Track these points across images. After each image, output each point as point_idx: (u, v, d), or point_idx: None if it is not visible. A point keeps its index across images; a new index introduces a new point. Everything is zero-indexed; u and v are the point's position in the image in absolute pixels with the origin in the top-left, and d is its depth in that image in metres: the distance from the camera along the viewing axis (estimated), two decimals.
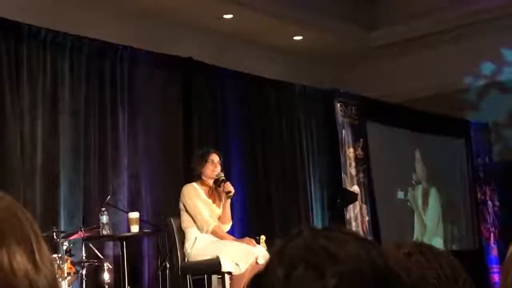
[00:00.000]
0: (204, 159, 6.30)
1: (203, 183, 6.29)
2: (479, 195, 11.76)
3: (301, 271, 0.91)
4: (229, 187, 6.28)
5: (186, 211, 6.19)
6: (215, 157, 6.33)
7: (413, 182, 10.91)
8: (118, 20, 8.01)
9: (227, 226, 6.39)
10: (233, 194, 6.36)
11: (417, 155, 11.03)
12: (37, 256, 1.11)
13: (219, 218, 6.32)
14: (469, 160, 11.82)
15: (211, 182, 6.31)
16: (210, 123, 8.66)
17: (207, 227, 6.11)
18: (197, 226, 6.14)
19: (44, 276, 1.10)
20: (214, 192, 6.34)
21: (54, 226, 6.21)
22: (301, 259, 0.91)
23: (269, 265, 0.95)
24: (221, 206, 6.34)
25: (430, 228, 10.90)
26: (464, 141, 11.84)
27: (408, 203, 10.74)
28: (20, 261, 1.08)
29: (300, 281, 0.90)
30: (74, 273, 5.96)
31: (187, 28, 8.65)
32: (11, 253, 1.07)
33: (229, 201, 6.33)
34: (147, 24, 8.27)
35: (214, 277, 6.24)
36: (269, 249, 6.23)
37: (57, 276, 1.16)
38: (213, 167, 6.29)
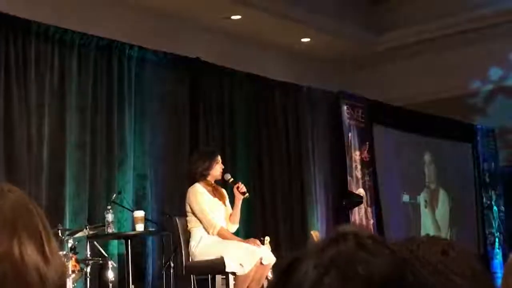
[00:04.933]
0: (214, 160, 6.29)
1: (207, 183, 6.27)
2: (484, 199, 11.75)
3: (333, 279, 0.89)
4: (244, 187, 6.30)
5: (193, 213, 6.18)
6: (220, 158, 6.35)
7: (426, 184, 10.93)
8: (127, 18, 8.01)
9: (235, 227, 6.38)
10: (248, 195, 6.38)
11: (427, 158, 11.03)
12: (47, 249, 1.11)
13: (230, 217, 6.31)
14: (475, 164, 11.81)
15: (213, 181, 6.32)
16: (217, 123, 8.66)
17: (213, 229, 6.11)
18: (204, 228, 6.14)
19: (53, 268, 1.10)
20: (218, 191, 6.35)
21: (59, 224, 6.21)
22: (337, 268, 0.89)
23: (304, 260, 0.93)
24: (226, 204, 6.35)
25: (443, 229, 10.93)
26: (470, 146, 11.83)
27: (425, 203, 10.77)
28: (31, 253, 1.08)
29: None
30: (78, 271, 5.95)
31: (195, 28, 8.65)
32: (22, 245, 1.08)
33: (241, 201, 6.33)
34: (155, 23, 8.28)
35: (218, 277, 6.23)
36: (273, 250, 6.23)
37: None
38: (221, 167, 6.30)
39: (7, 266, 1.06)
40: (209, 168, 6.25)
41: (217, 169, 6.29)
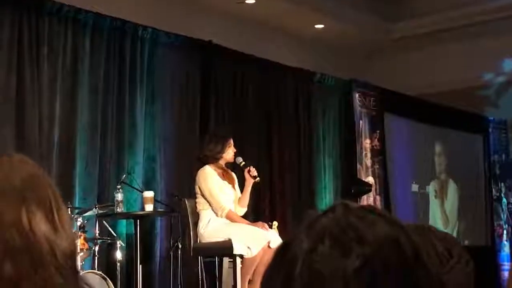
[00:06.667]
0: (227, 143, 6.27)
1: (218, 165, 6.27)
2: (494, 191, 11.72)
3: (326, 246, 0.89)
4: (255, 171, 6.29)
5: (202, 195, 6.19)
6: (232, 141, 6.34)
7: (436, 174, 10.93)
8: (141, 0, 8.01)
9: (243, 210, 6.37)
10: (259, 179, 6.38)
11: (437, 148, 11.01)
12: (56, 219, 1.12)
13: (238, 201, 6.32)
14: (485, 156, 11.78)
15: (224, 164, 6.32)
16: (227, 107, 8.66)
17: (221, 212, 6.11)
18: (213, 211, 6.16)
19: (62, 238, 1.11)
20: (227, 174, 6.35)
21: (68, 202, 6.22)
22: (329, 235, 0.90)
23: (297, 235, 0.94)
24: (235, 187, 6.35)
25: (451, 220, 10.93)
26: (481, 137, 11.80)
27: (434, 193, 10.77)
28: (39, 221, 1.09)
29: (324, 256, 0.89)
30: (86, 249, 5.97)
31: (209, 12, 8.64)
32: (30, 213, 1.09)
33: (251, 185, 6.32)
34: (169, 5, 8.27)
35: (226, 260, 6.25)
36: (281, 235, 6.24)
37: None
38: (233, 151, 6.30)
39: (16, 234, 1.07)
40: (221, 151, 6.24)
41: (229, 153, 6.28)
